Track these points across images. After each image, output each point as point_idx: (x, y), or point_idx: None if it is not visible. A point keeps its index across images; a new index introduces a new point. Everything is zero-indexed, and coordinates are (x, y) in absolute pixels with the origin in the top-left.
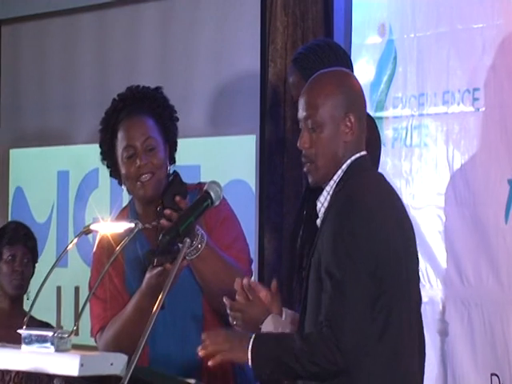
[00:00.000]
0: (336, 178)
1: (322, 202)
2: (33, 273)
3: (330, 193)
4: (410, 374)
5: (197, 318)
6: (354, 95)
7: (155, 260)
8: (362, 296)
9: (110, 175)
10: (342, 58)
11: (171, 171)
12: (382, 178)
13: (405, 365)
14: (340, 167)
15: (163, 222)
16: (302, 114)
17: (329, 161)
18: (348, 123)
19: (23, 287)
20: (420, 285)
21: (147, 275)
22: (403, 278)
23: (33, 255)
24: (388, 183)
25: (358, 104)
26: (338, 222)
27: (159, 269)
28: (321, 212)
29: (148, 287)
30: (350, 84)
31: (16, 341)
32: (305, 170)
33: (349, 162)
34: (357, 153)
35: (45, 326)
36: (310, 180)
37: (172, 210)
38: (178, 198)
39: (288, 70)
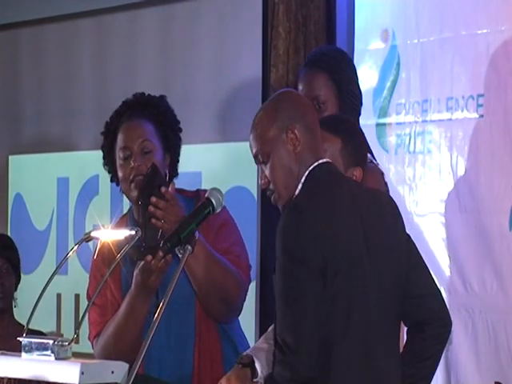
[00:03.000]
0: (297, 192)
1: None
2: (18, 280)
3: None
4: (383, 374)
5: (190, 325)
6: (290, 108)
7: (136, 254)
8: (305, 303)
9: (111, 180)
10: (351, 65)
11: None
12: (332, 183)
13: (376, 364)
14: (299, 181)
15: (150, 208)
16: (253, 155)
17: (287, 182)
18: (291, 135)
19: (6, 298)
20: None
21: (134, 274)
22: (355, 275)
23: (12, 263)
24: (342, 188)
25: (298, 115)
26: (277, 236)
27: (142, 263)
28: None
29: (135, 287)
30: (285, 99)
31: (7, 349)
32: (272, 201)
33: (306, 173)
34: (315, 161)
35: (37, 334)
36: (279, 207)
37: (157, 198)
38: (164, 189)
39: (306, 73)
